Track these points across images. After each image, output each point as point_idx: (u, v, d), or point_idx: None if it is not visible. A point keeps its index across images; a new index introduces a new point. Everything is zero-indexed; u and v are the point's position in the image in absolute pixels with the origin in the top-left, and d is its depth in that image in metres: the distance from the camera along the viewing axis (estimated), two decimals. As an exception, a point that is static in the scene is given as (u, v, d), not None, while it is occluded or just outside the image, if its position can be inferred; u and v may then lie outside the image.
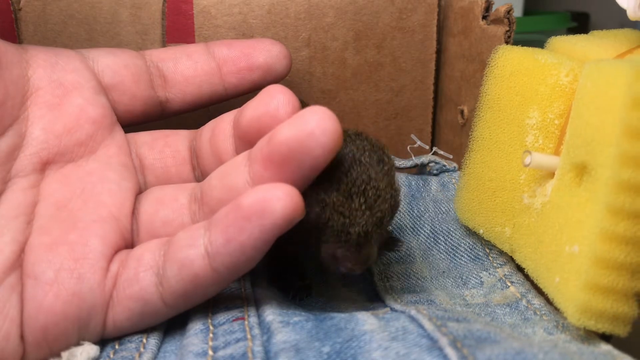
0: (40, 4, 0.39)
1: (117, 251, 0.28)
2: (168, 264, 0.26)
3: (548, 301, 0.28)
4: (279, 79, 0.35)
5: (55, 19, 0.40)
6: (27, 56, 0.31)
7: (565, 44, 0.34)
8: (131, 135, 0.34)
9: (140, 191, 0.32)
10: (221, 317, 0.27)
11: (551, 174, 0.29)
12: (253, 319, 0.26)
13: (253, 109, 0.29)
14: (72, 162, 0.30)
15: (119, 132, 0.32)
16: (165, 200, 0.31)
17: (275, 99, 0.28)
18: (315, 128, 0.25)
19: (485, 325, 0.24)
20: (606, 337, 0.25)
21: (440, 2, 0.43)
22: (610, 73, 0.24)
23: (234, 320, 0.26)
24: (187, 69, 0.35)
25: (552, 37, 0.36)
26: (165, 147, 0.34)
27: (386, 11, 0.42)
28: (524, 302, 0.29)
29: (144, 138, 0.34)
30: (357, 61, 0.43)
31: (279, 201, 0.24)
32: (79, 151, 0.30)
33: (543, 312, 0.28)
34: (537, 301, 0.29)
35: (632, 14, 0.30)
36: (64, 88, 0.31)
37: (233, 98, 0.36)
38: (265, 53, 0.35)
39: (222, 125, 0.32)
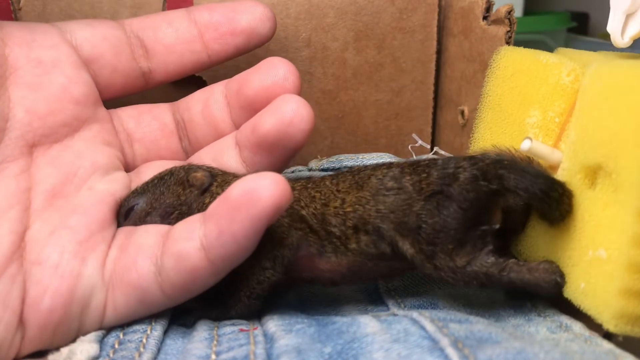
0: (40, 4, 0.39)
1: (114, 235, 0.29)
2: (165, 256, 0.26)
3: (551, 301, 0.28)
4: (263, 42, 0.35)
5: (55, 18, 0.39)
6: (1, 34, 0.30)
7: (570, 53, 0.34)
8: (113, 111, 0.34)
9: (129, 166, 0.33)
10: (227, 329, 0.28)
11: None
12: (258, 331, 0.27)
13: (260, 79, 0.31)
14: (57, 143, 0.30)
15: (101, 108, 0.32)
16: None
17: (281, 70, 0.31)
18: (293, 117, 0.30)
19: (486, 326, 0.24)
20: (608, 336, 0.25)
21: (441, 3, 0.43)
22: (626, 75, 0.23)
23: (239, 332, 0.27)
24: (167, 37, 0.34)
25: (559, 48, 0.35)
26: (152, 120, 0.34)
27: (386, 11, 0.42)
28: (528, 303, 0.29)
29: (128, 112, 0.34)
30: (358, 61, 0.43)
31: (266, 190, 0.24)
32: (63, 131, 0.30)
33: (547, 314, 0.27)
34: (541, 302, 0.29)
35: (615, 41, 0.29)
36: (43, 66, 0.30)
37: (217, 65, 0.35)
38: (248, 15, 0.34)
39: (215, 96, 0.34)
